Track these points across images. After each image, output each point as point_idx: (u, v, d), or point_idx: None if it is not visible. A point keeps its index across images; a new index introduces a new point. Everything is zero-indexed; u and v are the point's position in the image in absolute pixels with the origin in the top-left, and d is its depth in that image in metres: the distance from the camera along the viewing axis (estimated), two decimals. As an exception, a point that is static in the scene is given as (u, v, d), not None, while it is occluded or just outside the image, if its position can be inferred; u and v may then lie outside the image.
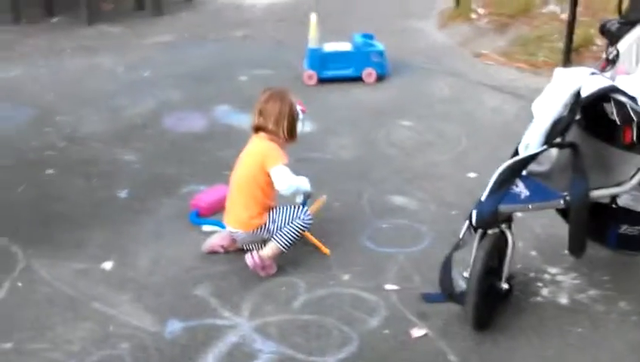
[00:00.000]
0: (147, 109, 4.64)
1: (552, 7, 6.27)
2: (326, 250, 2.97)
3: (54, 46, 6.02)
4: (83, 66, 5.51)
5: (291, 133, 2.89)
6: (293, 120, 2.88)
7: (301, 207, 2.90)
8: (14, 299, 2.69)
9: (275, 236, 2.82)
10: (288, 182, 2.82)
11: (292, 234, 2.82)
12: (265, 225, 2.84)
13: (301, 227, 2.85)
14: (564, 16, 5.64)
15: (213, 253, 2.98)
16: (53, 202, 3.44)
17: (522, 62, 5.45)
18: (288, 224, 2.83)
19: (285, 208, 2.88)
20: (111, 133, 4.27)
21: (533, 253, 2.98)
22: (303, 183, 2.96)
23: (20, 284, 2.78)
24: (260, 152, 2.85)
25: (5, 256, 2.97)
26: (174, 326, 2.53)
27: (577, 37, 5.31)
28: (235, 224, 2.87)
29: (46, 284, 2.78)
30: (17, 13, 6.65)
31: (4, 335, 2.48)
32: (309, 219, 2.88)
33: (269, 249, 2.82)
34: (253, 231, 2.85)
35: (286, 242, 2.82)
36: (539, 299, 2.68)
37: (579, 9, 5.72)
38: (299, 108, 2.94)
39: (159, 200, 3.45)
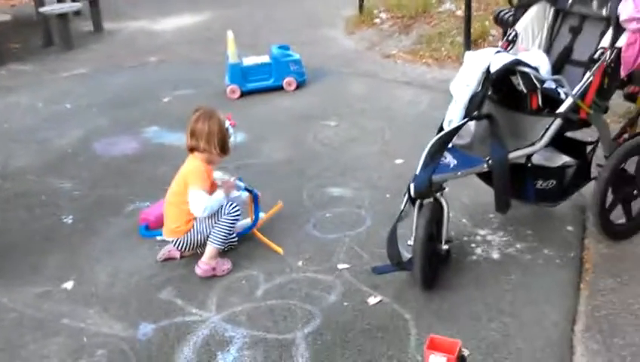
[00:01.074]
0: (75, 138, 4.67)
1: (448, 6, 6.76)
2: (279, 249, 3.14)
3: (-35, 88, 5.90)
4: (0, 105, 5.44)
5: (223, 148, 3.05)
6: (223, 136, 3.04)
7: (224, 205, 3.03)
8: (-21, 328, 2.72)
9: (209, 238, 3.00)
10: (202, 205, 2.96)
11: (221, 231, 2.99)
12: (190, 231, 3.00)
13: (228, 221, 3.00)
14: (460, 12, 6.12)
15: (169, 259, 3.11)
16: (0, 235, 3.45)
17: (428, 58, 5.87)
18: (215, 223, 3.00)
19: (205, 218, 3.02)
20: (43, 164, 4.28)
21: (464, 220, 3.29)
22: (219, 198, 3.04)
23: (-18, 314, 2.81)
24: (186, 172, 3.03)
25: (-40, 290, 2.98)
26: (146, 328, 2.65)
27: (475, 30, 5.78)
28: (166, 233, 3.07)
29: (10, 310, 2.82)
30: None
31: (-23, 362, 2.52)
32: (234, 211, 3.02)
33: (207, 252, 2.99)
34: (180, 238, 3.01)
35: (219, 240, 2.99)
36: (474, 257, 2.99)
37: (473, 4, 6.24)
38: (228, 123, 3.10)
39: (106, 220, 3.53)
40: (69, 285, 2.97)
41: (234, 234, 3.11)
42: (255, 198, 3.24)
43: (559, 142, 2.95)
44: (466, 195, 3.46)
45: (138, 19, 8.23)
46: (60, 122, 4.99)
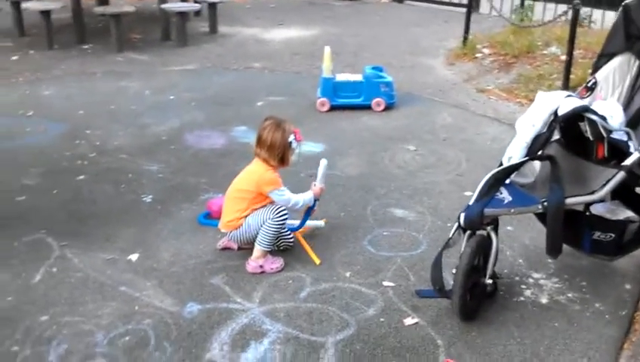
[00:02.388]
0: (171, 128, 5.01)
1: (554, 49, 6.64)
2: (316, 260, 3.24)
3: (86, 70, 6.45)
4: (112, 88, 5.92)
5: (282, 160, 3.20)
6: (284, 150, 3.18)
7: (274, 208, 3.16)
8: (49, 282, 3.01)
9: (256, 239, 3.15)
10: (290, 203, 3.18)
11: (267, 233, 3.12)
12: (241, 227, 3.15)
13: (273, 225, 3.13)
14: (565, 57, 6.00)
15: (227, 248, 3.30)
16: (85, 204, 3.78)
17: (522, 98, 5.80)
18: (262, 225, 3.13)
19: (258, 212, 3.17)
20: (137, 146, 4.63)
21: (520, 260, 3.26)
22: (306, 197, 3.28)
23: (54, 270, 3.10)
24: (255, 175, 3.17)
25: (42, 246, 3.30)
26: (192, 307, 2.83)
27: (576, 76, 5.66)
28: (221, 225, 3.25)
29: (78, 270, 3.10)
30: (51, 39, 7.12)
31: (42, 310, 2.80)
32: (279, 216, 3.14)
33: (255, 251, 3.15)
34: (232, 232, 3.18)
35: (264, 242, 3.13)
36: (521, 298, 2.96)
37: (579, 51, 6.11)
38: (293, 137, 3.20)
39: (179, 205, 3.78)
40: (134, 257, 3.22)
41: (290, 235, 3.25)
42: (311, 207, 3.37)
43: (628, 197, 2.88)
44: (528, 237, 3.43)
45: (251, 26, 8.65)
46: (161, 111, 5.37)
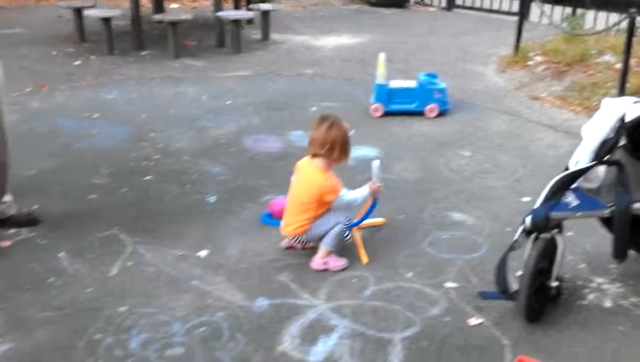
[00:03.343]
0: (229, 131, 5.16)
1: (608, 58, 6.60)
2: (364, 258, 3.32)
3: (145, 75, 6.67)
4: (170, 93, 6.11)
5: (343, 155, 3.25)
6: (345, 144, 3.24)
7: (342, 213, 3.26)
8: (125, 275, 3.16)
9: (322, 240, 3.23)
10: (349, 204, 3.28)
11: (334, 237, 3.21)
12: (307, 232, 3.24)
13: (341, 230, 3.22)
14: (619, 65, 5.96)
15: (290, 248, 3.40)
16: (153, 202, 3.94)
17: (577, 106, 5.78)
18: (330, 229, 3.22)
19: (327, 217, 3.25)
20: (198, 149, 4.79)
21: (582, 265, 3.28)
22: (363, 193, 3.35)
23: (129, 264, 3.25)
24: (316, 186, 3.20)
25: (116, 241, 3.46)
26: (262, 302, 2.94)
27: (631, 85, 5.62)
28: (285, 231, 3.32)
29: (151, 265, 3.24)
30: (111, 45, 7.38)
31: (120, 301, 2.94)
32: (348, 221, 3.25)
33: (320, 252, 3.24)
34: (295, 237, 3.28)
35: (329, 244, 3.22)
36: (585, 302, 2.99)
37: (634, 60, 6.05)
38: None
39: (243, 205, 3.91)
40: (203, 253, 3.35)
41: (348, 235, 3.33)
42: (373, 205, 3.45)
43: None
44: (590, 243, 3.45)
45: (302, 34, 8.80)
46: (219, 115, 5.53)
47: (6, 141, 3.40)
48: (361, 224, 3.54)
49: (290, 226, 3.29)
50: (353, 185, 3.52)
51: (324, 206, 3.26)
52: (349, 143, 3.28)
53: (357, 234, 3.49)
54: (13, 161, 3.52)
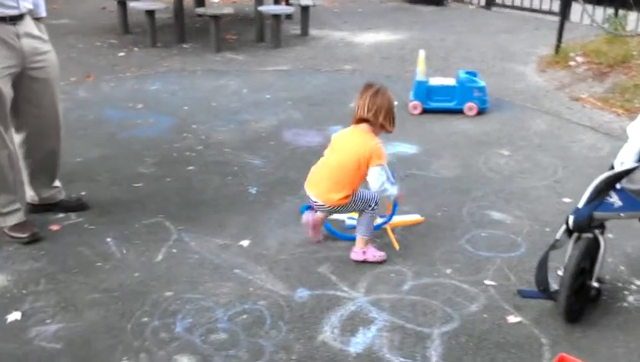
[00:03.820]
0: (269, 125, 5.23)
1: (651, 59, 6.51)
2: (396, 246, 3.40)
3: (187, 67, 6.80)
4: (212, 86, 6.22)
5: (387, 123, 3.24)
6: (391, 111, 3.24)
7: (372, 195, 3.27)
8: (171, 261, 3.25)
9: (357, 229, 3.30)
10: (382, 184, 3.22)
11: (365, 223, 3.28)
12: (346, 205, 3.26)
13: (372, 216, 3.29)
14: (663, 67, 5.89)
15: (315, 235, 3.43)
16: (196, 192, 4.04)
17: (618, 108, 5.71)
18: (363, 212, 3.27)
19: (363, 193, 3.28)
20: (239, 141, 4.88)
21: (622, 267, 3.27)
22: (392, 190, 3.32)
23: (174, 251, 3.35)
24: (366, 148, 3.17)
25: (161, 229, 3.56)
26: (302, 293, 3.01)
27: (675, 87, 5.55)
28: (321, 198, 3.27)
29: (195, 252, 3.33)
30: (154, 37, 7.53)
31: (166, 286, 3.04)
32: (376, 205, 3.27)
33: (358, 242, 3.30)
34: (333, 207, 3.29)
35: (362, 230, 3.28)
36: (625, 304, 2.98)
37: (678, 61, 5.96)
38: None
39: (283, 197, 3.98)
40: (245, 243, 3.43)
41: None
42: (394, 206, 3.49)
43: None
44: (631, 246, 3.44)
45: (340, 30, 8.83)
46: (259, 109, 5.61)
47: (59, 128, 3.52)
48: (399, 222, 3.58)
49: (333, 194, 3.22)
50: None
51: (360, 177, 3.24)
52: (394, 111, 3.27)
53: (389, 229, 3.53)
54: (62, 148, 3.64)
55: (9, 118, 3.28)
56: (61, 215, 3.68)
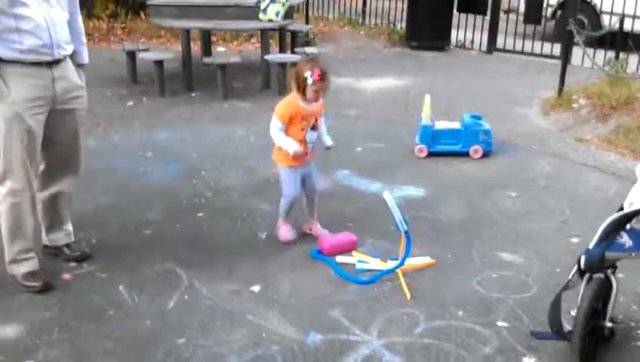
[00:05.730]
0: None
1: (654, 100, 6.59)
2: (407, 294, 3.38)
3: (195, 115, 6.89)
4: (220, 133, 6.30)
5: (303, 92, 3.81)
6: (300, 81, 3.78)
7: (286, 191, 4.04)
8: (183, 308, 3.26)
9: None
10: (273, 135, 3.98)
11: (281, 208, 4.04)
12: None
13: (284, 202, 4.04)
14: (666, 108, 5.96)
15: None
16: (206, 237, 4.06)
17: (623, 148, 5.77)
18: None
19: (284, 178, 4.10)
20: (248, 187, 4.92)
21: (634, 306, 3.27)
22: (289, 144, 3.92)
23: (186, 297, 3.36)
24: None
25: (172, 275, 3.58)
26: (315, 337, 3.01)
27: (678, 127, 5.61)
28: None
29: (207, 299, 3.34)
30: (162, 87, 7.67)
31: (178, 333, 3.04)
32: (286, 198, 4.00)
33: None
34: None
35: (280, 214, 4.05)
36: (638, 343, 2.98)
37: (680, 102, 6.04)
38: (309, 73, 3.73)
39: (293, 241, 4.00)
40: (256, 288, 3.44)
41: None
42: (408, 241, 3.50)
43: None
44: (641, 285, 3.44)
45: (344, 76, 8.96)
46: (267, 154, 5.64)
47: (77, 168, 3.65)
48: (411, 265, 3.59)
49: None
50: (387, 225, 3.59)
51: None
52: (306, 84, 3.78)
53: (400, 274, 3.54)
54: (73, 195, 3.71)
55: (38, 157, 3.38)
56: (73, 263, 3.70)
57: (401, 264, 3.54)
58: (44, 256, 3.66)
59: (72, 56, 3.46)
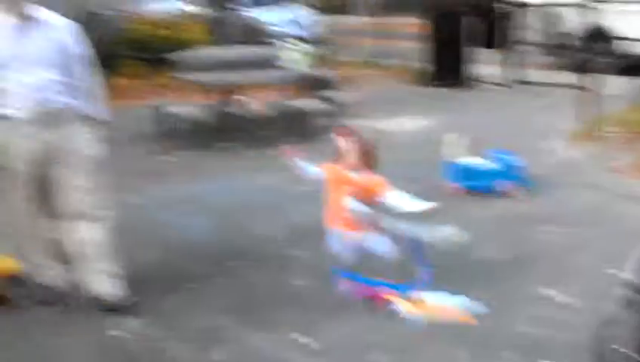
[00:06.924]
0: (312, 217, 5.24)
1: (682, 126, 6.57)
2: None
3: (227, 166, 6.99)
4: (252, 183, 6.39)
5: None
6: None
7: None
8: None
9: None
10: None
11: None
12: None
13: None
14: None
15: None
16: (249, 289, 4.10)
17: (655, 176, 5.75)
18: None
19: None
20: (286, 235, 4.98)
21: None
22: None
23: (233, 350, 3.42)
24: None
25: (219, 329, 3.62)
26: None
27: None
28: None
29: (254, 350, 3.39)
30: (194, 140, 7.85)
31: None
32: None
33: None
34: None
35: None
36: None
37: None
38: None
39: (332, 288, 4.01)
40: (302, 338, 3.48)
41: None
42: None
43: None
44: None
45: (367, 118, 9.07)
46: (300, 202, 5.66)
47: (82, 216, 3.83)
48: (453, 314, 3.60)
49: None
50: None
51: None
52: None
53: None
54: (115, 253, 3.87)
55: (28, 192, 3.66)
56: (119, 318, 3.76)
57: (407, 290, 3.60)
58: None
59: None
